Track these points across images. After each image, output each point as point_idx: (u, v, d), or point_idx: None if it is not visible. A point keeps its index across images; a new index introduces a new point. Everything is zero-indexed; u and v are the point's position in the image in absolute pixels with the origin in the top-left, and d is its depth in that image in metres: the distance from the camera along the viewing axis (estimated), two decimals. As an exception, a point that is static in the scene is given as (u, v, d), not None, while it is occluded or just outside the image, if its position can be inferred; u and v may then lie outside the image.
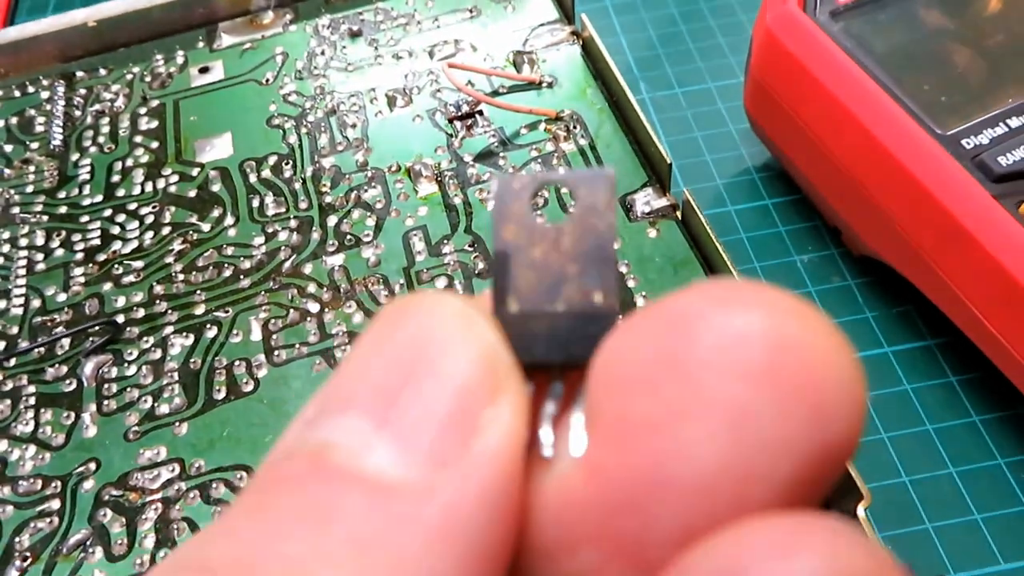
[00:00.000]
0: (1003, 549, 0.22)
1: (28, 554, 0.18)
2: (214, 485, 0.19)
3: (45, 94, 0.28)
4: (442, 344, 0.08)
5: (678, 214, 0.22)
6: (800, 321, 0.07)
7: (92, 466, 0.20)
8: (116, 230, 0.24)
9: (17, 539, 0.19)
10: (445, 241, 0.23)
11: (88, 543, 0.18)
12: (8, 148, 0.27)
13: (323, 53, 0.28)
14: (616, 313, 0.08)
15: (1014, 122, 0.22)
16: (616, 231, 0.09)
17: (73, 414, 0.20)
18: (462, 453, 0.07)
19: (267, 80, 0.27)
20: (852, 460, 0.17)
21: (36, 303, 0.23)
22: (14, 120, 0.28)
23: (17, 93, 0.28)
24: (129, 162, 0.26)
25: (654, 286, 0.21)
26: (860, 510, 0.16)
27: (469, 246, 0.22)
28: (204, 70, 0.28)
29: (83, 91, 0.28)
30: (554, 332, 0.08)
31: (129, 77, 0.28)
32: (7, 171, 0.26)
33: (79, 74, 0.29)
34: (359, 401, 0.07)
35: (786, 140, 0.27)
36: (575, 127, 0.25)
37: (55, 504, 0.19)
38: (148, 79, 0.28)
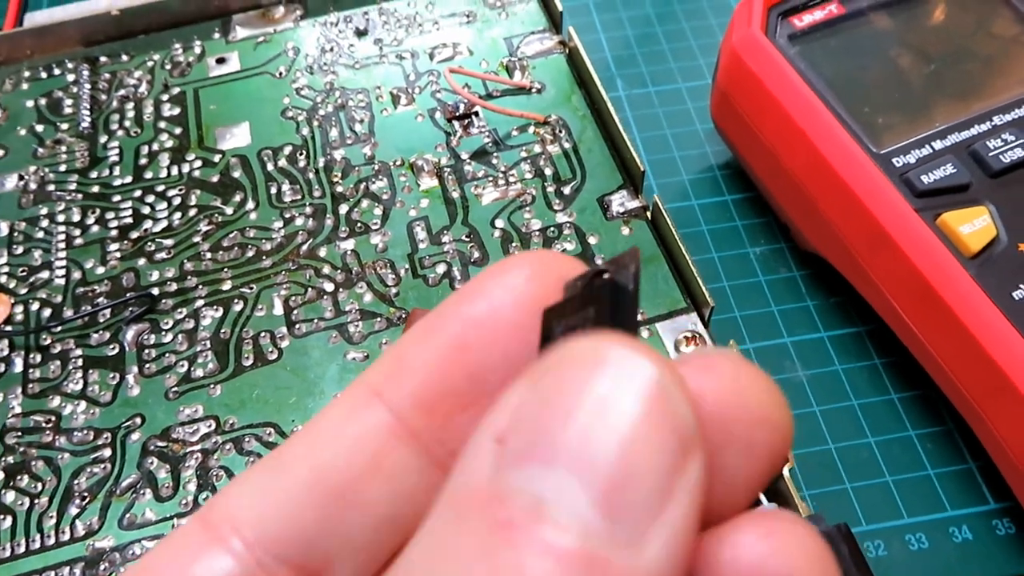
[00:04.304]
0: (907, 506, 0.26)
1: (86, 494, 0.22)
2: (246, 439, 0.22)
3: (71, 77, 0.30)
4: (647, 421, 0.08)
5: (648, 215, 0.25)
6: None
7: (138, 420, 0.23)
8: (146, 210, 0.27)
9: (75, 481, 0.22)
10: (445, 231, 0.26)
11: (138, 486, 0.22)
12: (39, 128, 0.29)
13: (332, 50, 0.31)
14: None
15: (937, 144, 0.26)
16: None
17: (118, 375, 0.23)
18: (656, 526, 0.08)
19: (280, 73, 0.30)
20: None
21: (77, 275, 0.25)
22: (43, 101, 0.30)
23: (44, 75, 0.31)
24: (155, 146, 0.28)
25: (625, 278, 0.24)
26: (785, 470, 0.20)
27: (466, 237, 0.26)
28: (221, 61, 0.31)
29: (107, 75, 0.30)
30: None
31: (150, 64, 0.31)
32: (40, 150, 0.29)
33: (102, 59, 0.31)
34: (570, 461, 0.08)
35: (745, 146, 0.31)
36: (560, 131, 0.28)
37: (107, 452, 0.22)
38: (168, 67, 0.31)
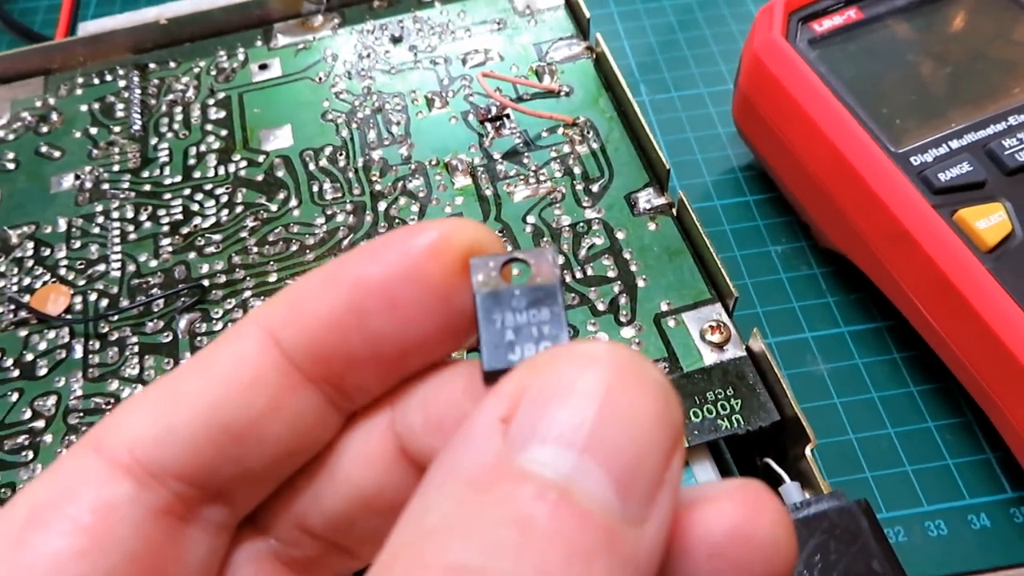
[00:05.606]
0: (926, 494, 0.27)
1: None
2: (293, 421, 0.23)
3: (122, 82, 0.32)
4: (658, 420, 0.10)
5: (674, 211, 0.27)
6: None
7: (190, 404, 0.24)
8: (196, 207, 0.28)
9: (133, 460, 0.23)
10: (479, 227, 0.27)
11: (192, 464, 0.23)
12: (93, 131, 0.31)
13: (369, 56, 0.32)
14: None
15: (954, 143, 0.27)
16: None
17: (172, 361, 0.25)
18: (653, 508, 0.09)
19: (320, 78, 0.31)
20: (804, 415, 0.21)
21: (131, 268, 0.27)
22: (96, 105, 0.31)
23: (96, 81, 0.32)
24: (202, 147, 0.30)
25: (653, 271, 0.25)
26: (808, 450, 0.21)
27: (499, 232, 0.27)
28: (263, 67, 0.32)
29: (156, 81, 0.32)
30: None
31: (196, 70, 0.32)
32: (95, 151, 0.30)
33: (151, 65, 0.33)
34: (594, 450, 0.09)
35: (766, 147, 0.32)
36: (588, 132, 0.29)
37: (162, 433, 0.23)
38: (214, 73, 0.32)
